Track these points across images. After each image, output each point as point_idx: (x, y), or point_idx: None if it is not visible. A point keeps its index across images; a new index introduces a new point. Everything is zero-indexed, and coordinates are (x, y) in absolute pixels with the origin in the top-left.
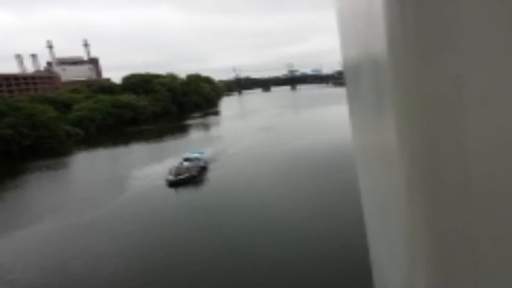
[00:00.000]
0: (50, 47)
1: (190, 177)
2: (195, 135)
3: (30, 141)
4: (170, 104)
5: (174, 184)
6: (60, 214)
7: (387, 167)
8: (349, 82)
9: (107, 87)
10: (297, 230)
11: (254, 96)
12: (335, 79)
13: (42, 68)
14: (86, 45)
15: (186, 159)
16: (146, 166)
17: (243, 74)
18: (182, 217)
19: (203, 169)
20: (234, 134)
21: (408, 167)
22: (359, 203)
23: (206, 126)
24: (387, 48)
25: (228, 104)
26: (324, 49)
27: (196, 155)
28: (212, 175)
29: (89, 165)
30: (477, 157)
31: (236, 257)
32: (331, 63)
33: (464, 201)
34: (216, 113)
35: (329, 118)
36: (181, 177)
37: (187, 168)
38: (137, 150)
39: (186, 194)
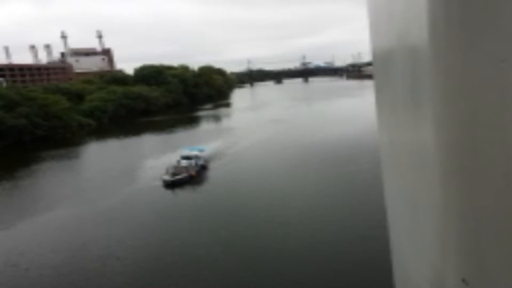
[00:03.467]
0: (64, 37)
1: (187, 178)
2: (205, 126)
3: (43, 131)
4: (182, 95)
5: (170, 185)
6: (62, 204)
7: (420, 159)
8: (378, 70)
9: (119, 78)
10: (311, 250)
11: (266, 88)
12: (348, 71)
13: (56, 59)
14: (100, 36)
15: (185, 157)
16: (152, 159)
17: (256, 66)
18: (173, 226)
19: (202, 168)
20: (244, 127)
21: (445, 158)
22: (380, 201)
23: (216, 118)
24: (428, 31)
25: (240, 96)
26: (337, 41)
27: (195, 152)
28: (213, 174)
29: (98, 156)
30: None
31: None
32: (344, 56)
33: (507, 197)
34: (228, 105)
35: (342, 111)
36: (178, 177)
37: (185, 167)
38: (147, 141)
39: (182, 197)
